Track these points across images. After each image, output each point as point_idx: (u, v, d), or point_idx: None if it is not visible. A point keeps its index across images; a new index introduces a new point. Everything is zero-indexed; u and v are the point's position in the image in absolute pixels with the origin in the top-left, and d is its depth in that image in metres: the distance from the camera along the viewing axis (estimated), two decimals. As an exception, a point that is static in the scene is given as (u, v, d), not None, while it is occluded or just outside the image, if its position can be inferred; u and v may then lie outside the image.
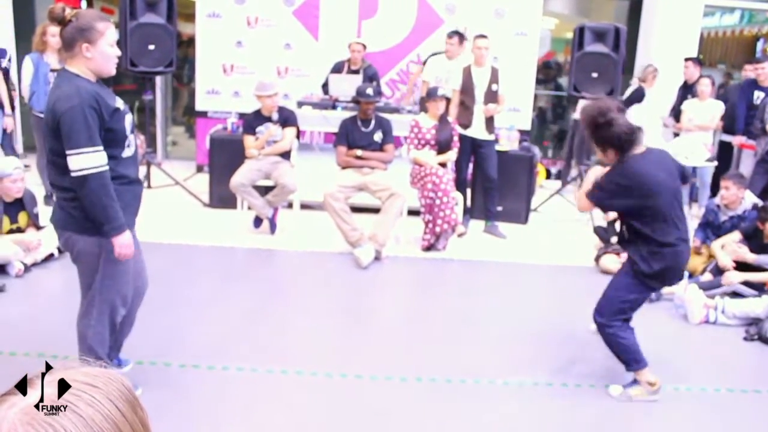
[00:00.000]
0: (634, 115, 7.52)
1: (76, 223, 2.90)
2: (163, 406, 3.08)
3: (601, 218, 5.99)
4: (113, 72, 2.90)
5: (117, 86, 9.11)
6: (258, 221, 6.02)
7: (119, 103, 2.91)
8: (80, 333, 3.10)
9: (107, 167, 2.79)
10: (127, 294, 3.11)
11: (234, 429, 3.05)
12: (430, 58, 7.28)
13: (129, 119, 2.94)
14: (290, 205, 6.32)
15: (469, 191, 6.67)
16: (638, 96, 7.54)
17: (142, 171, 6.76)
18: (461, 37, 6.93)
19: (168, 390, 3.29)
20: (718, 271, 4.93)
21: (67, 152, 2.74)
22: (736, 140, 7.37)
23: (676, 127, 7.58)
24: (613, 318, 3.41)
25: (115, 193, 2.84)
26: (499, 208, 6.53)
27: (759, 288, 4.68)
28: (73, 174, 2.76)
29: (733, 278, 4.75)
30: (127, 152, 2.94)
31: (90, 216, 2.83)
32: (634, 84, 7.83)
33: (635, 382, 3.50)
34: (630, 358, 3.46)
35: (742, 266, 4.84)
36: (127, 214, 2.94)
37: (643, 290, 3.41)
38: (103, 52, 2.81)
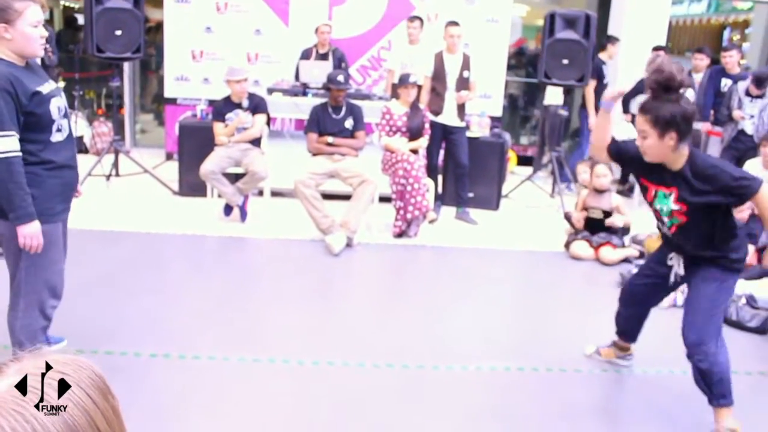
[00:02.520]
0: (637, 106, 7.55)
1: None
2: (134, 396, 3.04)
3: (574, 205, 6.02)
4: (39, 53, 2.81)
5: (83, 73, 8.97)
6: (228, 209, 5.97)
7: (46, 86, 2.81)
8: (9, 326, 2.99)
9: (18, 153, 2.69)
10: (57, 285, 3.01)
11: (206, 418, 3.03)
12: (393, 47, 7.37)
13: (57, 103, 2.83)
14: (261, 193, 6.28)
15: (440, 178, 6.69)
16: (643, 87, 7.54)
17: (109, 159, 6.82)
18: (422, 21, 7.03)
19: (139, 380, 3.27)
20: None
21: None
22: (704, 127, 7.47)
23: None
24: (718, 337, 2.99)
25: (38, 179, 2.77)
26: (471, 195, 6.55)
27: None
28: None
29: None
30: (56, 137, 2.84)
31: None
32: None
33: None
34: (726, 388, 2.97)
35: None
36: (54, 201, 2.87)
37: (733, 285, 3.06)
38: (23, 33, 2.71)
